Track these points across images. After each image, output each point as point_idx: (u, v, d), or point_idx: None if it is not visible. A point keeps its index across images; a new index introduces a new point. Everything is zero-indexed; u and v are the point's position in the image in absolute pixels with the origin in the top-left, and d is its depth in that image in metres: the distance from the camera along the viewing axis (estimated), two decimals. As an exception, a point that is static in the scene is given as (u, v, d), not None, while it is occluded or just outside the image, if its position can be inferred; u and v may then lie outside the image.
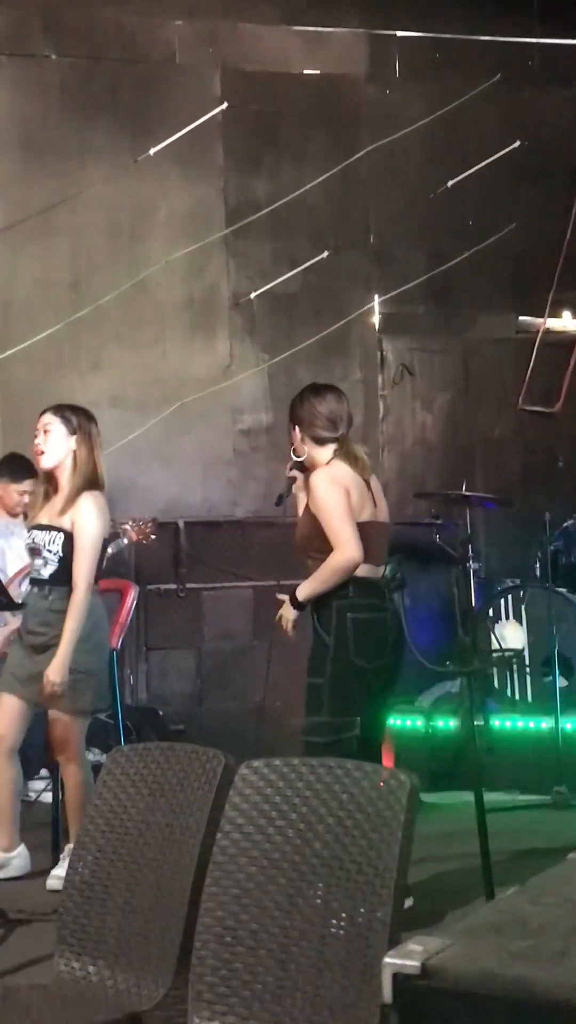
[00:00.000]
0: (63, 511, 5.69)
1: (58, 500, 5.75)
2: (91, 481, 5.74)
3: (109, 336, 9.09)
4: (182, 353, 9.21)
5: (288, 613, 5.25)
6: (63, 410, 5.84)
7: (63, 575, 5.66)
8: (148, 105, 9.19)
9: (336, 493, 5.12)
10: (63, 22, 9.09)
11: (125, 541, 7.38)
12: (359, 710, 5.14)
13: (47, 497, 5.84)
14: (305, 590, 5.18)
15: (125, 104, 9.19)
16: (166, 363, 9.17)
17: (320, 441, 5.29)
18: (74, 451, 5.74)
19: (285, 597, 5.28)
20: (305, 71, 9.50)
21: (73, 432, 5.76)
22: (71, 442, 5.75)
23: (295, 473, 5.46)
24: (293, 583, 5.33)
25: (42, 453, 5.76)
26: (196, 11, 9.31)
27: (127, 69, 9.21)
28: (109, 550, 7.15)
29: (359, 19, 9.56)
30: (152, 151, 9.02)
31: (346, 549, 5.07)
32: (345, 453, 5.27)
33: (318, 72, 9.52)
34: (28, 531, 5.89)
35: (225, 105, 9.22)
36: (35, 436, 5.81)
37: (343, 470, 5.22)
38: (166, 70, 9.25)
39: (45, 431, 5.76)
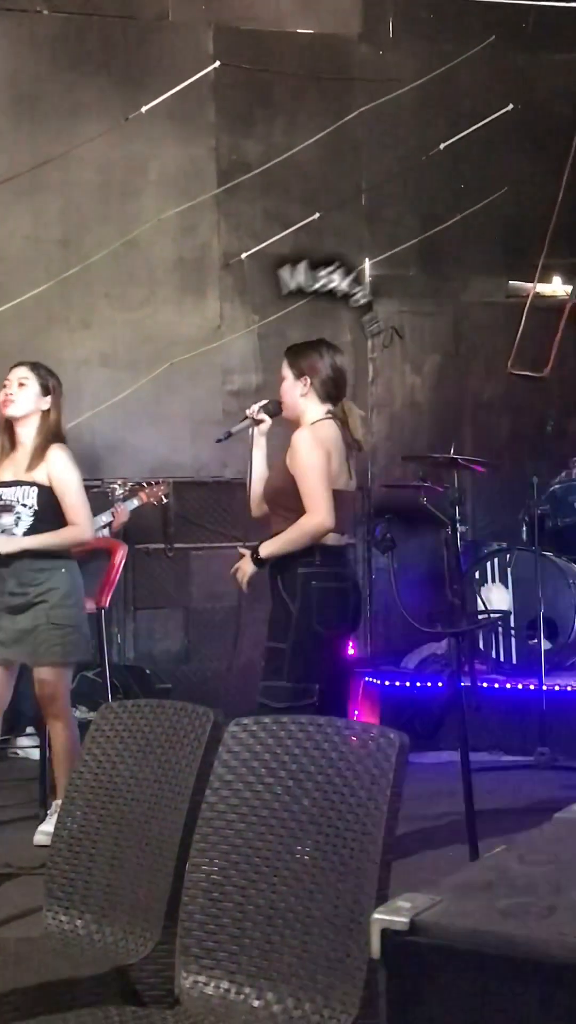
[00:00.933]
0: (32, 466, 5.68)
1: (22, 456, 5.74)
2: (57, 436, 5.78)
3: (99, 294, 9.04)
4: (172, 313, 9.17)
5: (247, 567, 5.16)
6: (40, 368, 5.83)
7: (36, 531, 5.67)
8: (140, 62, 9.11)
9: (318, 455, 5.03)
10: (55, -24, 9.00)
11: (136, 503, 7.37)
12: (318, 677, 5.07)
13: (4, 453, 5.83)
14: (270, 548, 5.10)
15: (117, 61, 9.11)
16: (156, 322, 9.13)
17: (326, 397, 5.22)
18: (45, 411, 5.76)
19: (247, 551, 5.18)
20: (299, 30, 9.42)
21: (47, 393, 5.77)
22: (43, 402, 5.76)
23: (263, 416, 5.35)
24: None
25: (12, 403, 5.74)
26: (190, -33, 9.24)
27: (120, 25, 9.11)
28: (118, 508, 7.19)
29: (354, -22, 9.49)
30: (144, 109, 8.94)
31: (320, 514, 4.99)
32: (341, 415, 5.22)
33: (312, 31, 9.44)
34: None
35: (218, 63, 9.14)
36: (4, 386, 5.78)
37: (329, 431, 5.14)
38: (159, 27, 9.16)
39: (20, 383, 5.75)
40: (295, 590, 5.04)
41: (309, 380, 5.19)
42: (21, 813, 6.19)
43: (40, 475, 5.67)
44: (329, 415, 5.20)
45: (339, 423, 5.20)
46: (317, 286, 8.97)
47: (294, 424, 5.24)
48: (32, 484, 5.66)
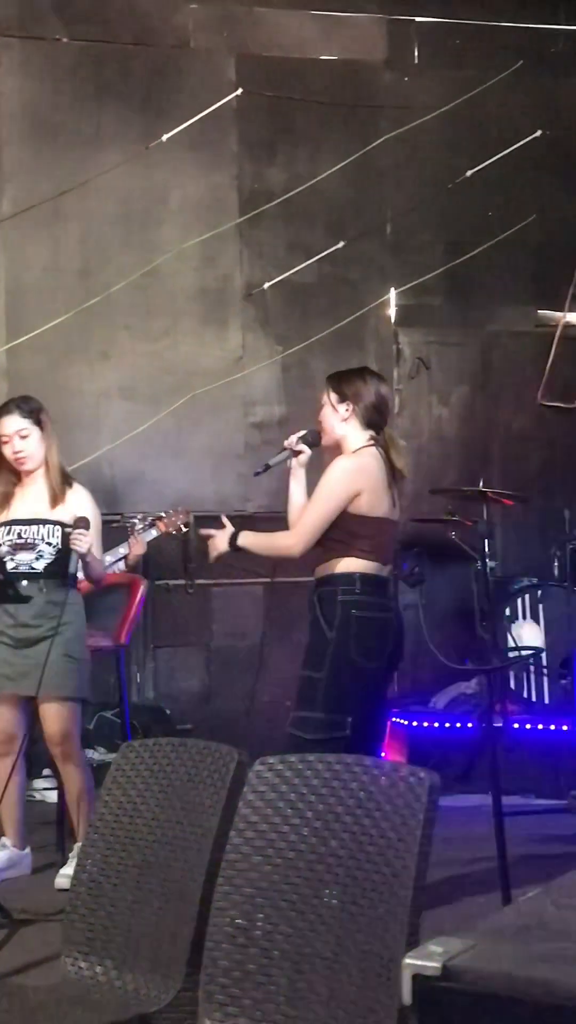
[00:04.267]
0: (54, 505, 5.71)
1: (35, 493, 5.76)
2: (65, 470, 5.85)
3: (119, 325, 8.96)
4: (194, 344, 9.08)
5: (221, 546, 5.12)
6: (29, 410, 5.78)
7: (57, 567, 5.65)
8: (161, 90, 9.06)
9: (342, 489, 4.94)
10: (75, 4, 8.97)
11: (154, 533, 7.25)
12: (352, 710, 4.93)
13: (10, 489, 5.83)
14: (247, 540, 5.08)
15: (138, 89, 9.06)
16: (177, 354, 9.04)
17: (369, 424, 5.09)
18: (47, 447, 5.78)
19: (228, 530, 5.10)
20: (322, 57, 9.34)
21: (43, 429, 5.77)
22: (44, 440, 5.78)
23: (302, 447, 5.22)
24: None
25: (25, 459, 5.75)
26: (212, -6, 9.18)
27: (140, 53, 9.07)
28: (135, 539, 7.09)
29: (378, 4, 9.42)
30: (165, 137, 8.88)
31: (298, 542, 4.96)
32: (385, 443, 5.09)
33: (335, 58, 9.36)
34: (6, 527, 5.77)
35: (240, 91, 9.07)
36: (5, 442, 5.75)
37: (372, 460, 5.02)
38: (180, 54, 9.11)
39: (22, 436, 5.73)
40: (334, 619, 4.92)
41: (352, 406, 5.08)
42: (38, 857, 6.06)
43: (63, 514, 5.68)
44: (372, 442, 5.07)
45: (382, 450, 5.07)
46: None
47: (334, 452, 5.13)
48: (57, 523, 5.66)
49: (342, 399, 5.09)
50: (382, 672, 5.08)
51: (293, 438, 5.25)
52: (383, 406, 5.15)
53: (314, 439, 5.21)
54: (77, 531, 5.48)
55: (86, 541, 5.48)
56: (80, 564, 5.59)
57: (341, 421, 5.09)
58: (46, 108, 8.93)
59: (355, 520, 4.94)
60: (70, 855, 5.73)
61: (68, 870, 5.50)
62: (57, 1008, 2.98)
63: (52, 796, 6.99)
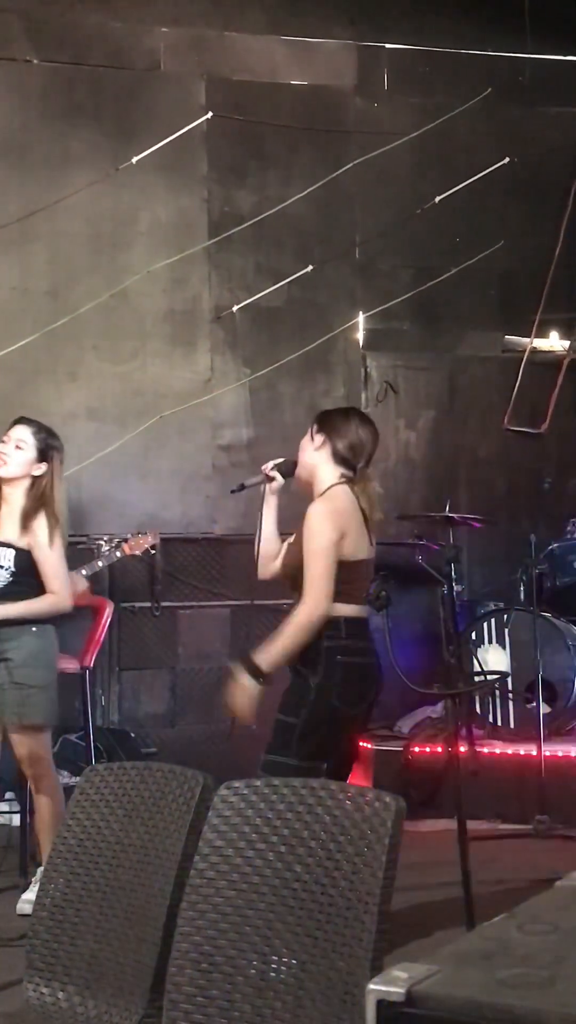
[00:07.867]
0: (15, 530, 5.60)
1: (6, 516, 5.64)
2: (46, 502, 5.64)
3: (87, 347, 8.94)
4: (162, 365, 9.07)
5: (249, 688, 4.73)
6: (42, 432, 5.71)
7: (13, 591, 5.57)
8: (131, 113, 9.08)
9: (329, 535, 4.74)
10: (46, 26, 8.98)
11: (118, 554, 7.20)
12: (329, 755, 4.79)
13: None
14: (270, 659, 4.73)
15: (108, 111, 9.07)
16: (145, 375, 9.03)
17: (339, 461, 4.94)
18: (36, 477, 5.65)
19: (240, 670, 4.74)
20: (292, 82, 9.40)
21: (43, 459, 5.66)
22: (36, 468, 5.66)
23: (275, 474, 5.14)
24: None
25: (4, 464, 5.64)
26: (182, 18, 9.21)
27: (111, 76, 9.09)
28: (99, 564, 7.03)
29: (348, 30, 9.49)
30: (135, 159, 8.90)
31: (318, 605, 4.70)
32: (358, 484, 4.93)
33: (305, 83, 9.42)
34: None
35: (210, 114, 9.10)
36: (3, 442, 5.68)
37: (345, 498, 4.87)
38: (150, 78, 9.14)
39: (17, 446, 5.64)
40: (317, 663, 4.75)
41: (326, 439, 4.96)
42: (0, 881, 5.98)
43: (21, 539, 5.59)
44: (343, 479, 4.94)
45: (354, 489, 4.92)
46: None
47: (305, 486, 5.04)
48: (10, 546, 5.58)
49: (320, 430, 5.01)
50: (362, 716, 4.95)
51: (269, 464, 5.19)
52: (360, 449, 4.96)
53: (288, 469, 5.13)
54: None
55: None
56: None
57: (314, 450, 4.99)
58: (15, 129, 8.92)
59: (341, 566, 4.77)
60: (33, 879, 5.66)
61: (30, 895, 5.43)
62: (18, 1035, 2.93)
63: (14, 820, 6.94)
